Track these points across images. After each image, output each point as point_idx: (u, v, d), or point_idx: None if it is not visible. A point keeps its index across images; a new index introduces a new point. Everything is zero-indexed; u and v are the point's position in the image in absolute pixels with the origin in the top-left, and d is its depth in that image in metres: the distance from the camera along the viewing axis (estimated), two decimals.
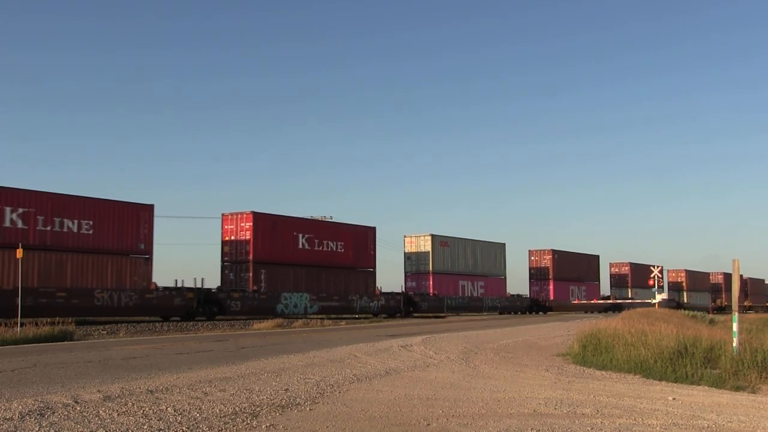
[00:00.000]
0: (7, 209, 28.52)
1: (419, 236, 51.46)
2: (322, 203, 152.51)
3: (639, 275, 74.21)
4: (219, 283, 38.09)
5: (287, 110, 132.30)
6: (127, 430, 7.51)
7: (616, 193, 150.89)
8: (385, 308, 46.57)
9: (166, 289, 34.23)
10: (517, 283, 72.32)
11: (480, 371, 13.62)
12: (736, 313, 14.72)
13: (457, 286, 53.59)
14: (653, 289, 65.46)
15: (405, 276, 51.59)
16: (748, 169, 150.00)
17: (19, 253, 23.18)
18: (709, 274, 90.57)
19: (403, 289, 49.66)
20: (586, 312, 61.49)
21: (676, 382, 12.57)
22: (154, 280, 33.46)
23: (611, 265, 76.61)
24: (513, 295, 60.70)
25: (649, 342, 15.09)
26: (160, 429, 7.57)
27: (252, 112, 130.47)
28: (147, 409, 8.69)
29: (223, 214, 38.46)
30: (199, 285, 35.69)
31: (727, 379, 12.52)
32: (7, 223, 28.40)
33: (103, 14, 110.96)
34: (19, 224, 28.75)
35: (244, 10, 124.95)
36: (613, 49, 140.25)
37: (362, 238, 45.36)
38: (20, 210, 28.87)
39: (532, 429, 7.79)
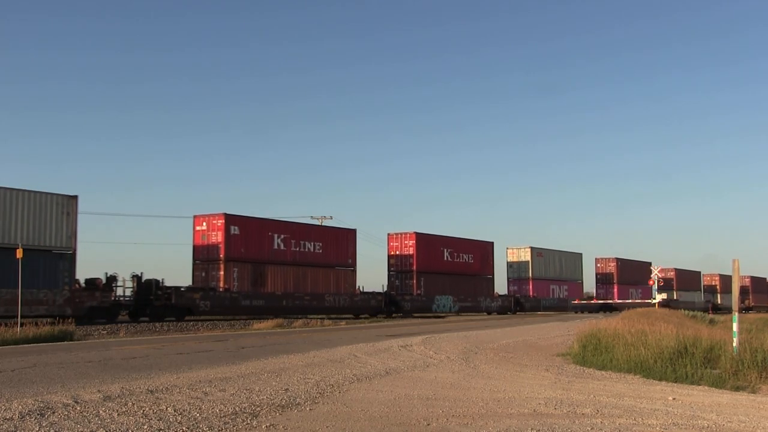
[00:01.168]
0: (275, 236, 40.36)
1: (519, 248, 61.34)
2: (321, 203, 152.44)
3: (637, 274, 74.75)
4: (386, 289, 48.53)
5: (287, 110, 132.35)
6: (127, 430, 7.51)
7: (614, 194, 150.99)
8: (501, 308, 56.43)
9: (364, 293, 45.59)
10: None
11: (480, 371, 13.62)
12: (736, 313, 14.72)
13: (548, 290, 62.97)
14: (653, 289, 65.71)
15: (508, 281, 61.17)
16: (747, 170, 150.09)
17: (19, 253, 23.18)
18: (699, 273, 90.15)
19: (509, 292, 60.25)
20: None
21: (676, 382, 12.57)
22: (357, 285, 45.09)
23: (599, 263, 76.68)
24: (587, 297, 70.50)
25: (649, 342, 15.09)
26: (160, 429, 7.57)
27: (251, 113, 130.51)
28: (147, 409, 8.69)
29: (389, 234, 49.39)
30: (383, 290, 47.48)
31: (727, 379, 12.51)
32: (275, 246, 40.33)
33: (102, 14, 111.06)
34: (282, 247, 40.64)
35: (244, 11, 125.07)
36: (610, 50, 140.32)
37: (485, 251, 55.54)
38: (282, 236, 40.73)
39: (532, 429, 7.80)
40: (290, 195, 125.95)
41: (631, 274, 72.08)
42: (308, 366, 13.89)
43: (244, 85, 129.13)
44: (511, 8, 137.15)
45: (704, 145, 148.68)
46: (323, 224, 51.42)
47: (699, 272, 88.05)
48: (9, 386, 10.60)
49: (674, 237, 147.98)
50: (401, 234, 48.04)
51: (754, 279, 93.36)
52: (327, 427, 7.89)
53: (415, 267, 47.87)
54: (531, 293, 60.35)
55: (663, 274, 72.27)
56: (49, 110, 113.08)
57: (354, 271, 44.82)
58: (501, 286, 60.22)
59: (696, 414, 8.85)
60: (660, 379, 12.85)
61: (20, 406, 8.64)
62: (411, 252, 47.80)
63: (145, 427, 7.65)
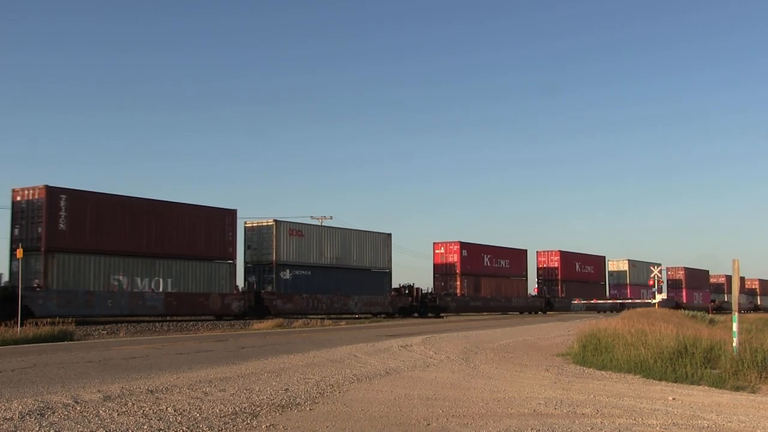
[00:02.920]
0: (485, 256, 55.48)
1: (618, 260, 73.58)
2: (320, 203, 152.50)
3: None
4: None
5: (287, 110, 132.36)
6: (127, 430, 7.51)
7: (613, 193, 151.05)
8: (532, 307, 61.78)
9: (532, 296, 60.79)
10: None
11: (480, 371, 13.62)
12: (736, 313, 14.73)
13: (639, 293, 72.33)
14: (653, 289, 65.92)
15: (609, 286, 72.66)
16: (747, 170, 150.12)
17: (19, 253, 23.19)
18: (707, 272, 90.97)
19: (611, 296, 70.17)
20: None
21: (676, 382, 12.57)
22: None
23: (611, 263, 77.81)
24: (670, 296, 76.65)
25: (649, 342, 15.09)
26: (160, 429, 7.57)
27: (250, 112, 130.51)
28: (147, 409, 8.69)
29: (435, 243, 54.83)
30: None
31: (727, 379, 12.52)
32: (485, 263, 55.40)
33: (102, 14, 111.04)
34: (488, 263, 55.78)
35: (244, 11, 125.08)
36: (610, 50, 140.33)
37: (519, 256, 61.40)
38: (488, 256, 55.81)
39: (532, 429, 7.80)
40: (290, 195, 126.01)
41: (639, 275, 76.26)
42: (308, 366, 13.89)
43: (244, 86, 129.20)
44: (510, 9, 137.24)
45: (703, 145, 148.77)
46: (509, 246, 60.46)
47: (707, 271, 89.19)
48: (9, 386, 10.60)
49: (671, 237, 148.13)
50: (447, 244, 54.24)
51: (762, 282, 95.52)
52: (327, 427, 7.89)
53: (459, 270, 53.37)
54: (629, 295, 70.85)
55: (672, 274, 78.62)
56: (49, 110, 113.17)
57: (525, 279, 61.02)
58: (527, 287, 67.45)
59: (696, 414, 8.85)
60: (660, 379, 12.85)
61: (20, 406, 8.65)
62: (456, 260, 53.52)
63: (145, 427, 7.65)
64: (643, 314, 31.11)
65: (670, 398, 10.19)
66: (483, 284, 55.02)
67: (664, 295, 65.99)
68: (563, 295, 62.89)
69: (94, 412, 8.47)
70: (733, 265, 14.98)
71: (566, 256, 64.28)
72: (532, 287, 63.10)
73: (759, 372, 12.81)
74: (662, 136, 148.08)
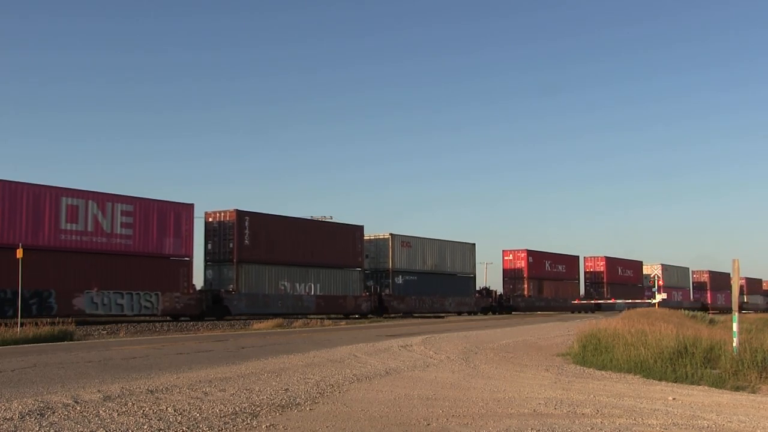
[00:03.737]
0: (546, 262, 62.97)
1: (653, 264, 79.38)
2: (319, 202, 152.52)
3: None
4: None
5: (287, 110, 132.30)
6: (127, 430, 7.51)
7: (612, 193, 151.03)
8: (582, 307, 67.39)
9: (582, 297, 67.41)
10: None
11: (480, 371, 13.62)
12: (736, 313, 14.74)
13: (671, 295, 76.84)
14: (653, 289, 66.83)
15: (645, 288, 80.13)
16: (746, 169, 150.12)
17: (19, 253, 23.17)
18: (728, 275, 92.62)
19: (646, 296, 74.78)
20: None
21: (676, 382, 12.57)
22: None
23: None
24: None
25: (649, 342, 15.10)
26: (160, 429, 7.57)
27: (249, 112, 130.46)
28: (147, 409, 8.69)
29: (504, 251, 62.46)
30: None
31: (727, 379, 12.52)
32: (546, 268, 63.08)
33: (103, 14, 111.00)
34: (548, 268, 63.65)
35: (244, 11, 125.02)
36: (609, 50, 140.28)
37: (573, 262, 68.94)
38: (549, 261, 63.66)
39: (532, 429, 7.80)
40: (290, 194, 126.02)
41: (671, 278, 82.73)
42: (308, 366, 13.89)
43: (244, 86, 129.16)
44: (510, 9, 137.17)
45: (702, 145, 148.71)
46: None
47: (729, 274, 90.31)
48: (9, 386, 10.59)
49: (667, 236, 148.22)
50: (515, 251, 61.68)
51: (748, 280, 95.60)
52: (327, 427, 7.89)
53: (526, 274, 61.21)
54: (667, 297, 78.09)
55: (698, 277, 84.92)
56: (49, 110, 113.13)
57: (577, 282, 69.59)
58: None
59: (696, 414, 8.86)
60: (660, 379, 12.86)
61: (20, 406, 8.64)
62: (523, 266, 61.35)
63: (145, 427, 7.65)
64: (643, 314, 31.13)
65: (670, 398, 10.20)
66: (545, 287, 63.59)
67: (664, 295, 66.46)
68: (608, 296, 68.93)
69: (94, 412, 8.47)
70: (732, 265, 14.99)
71: (611, 262, 72.00)
72: (582, 289, 71.08)
73: (759, 372, 12.81)
74: (661, 136, 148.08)
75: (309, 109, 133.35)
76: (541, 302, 62.09)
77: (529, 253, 61.14)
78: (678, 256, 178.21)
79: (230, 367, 13.53)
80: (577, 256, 69.19)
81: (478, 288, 56.96)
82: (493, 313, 55.59)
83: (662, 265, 79.09)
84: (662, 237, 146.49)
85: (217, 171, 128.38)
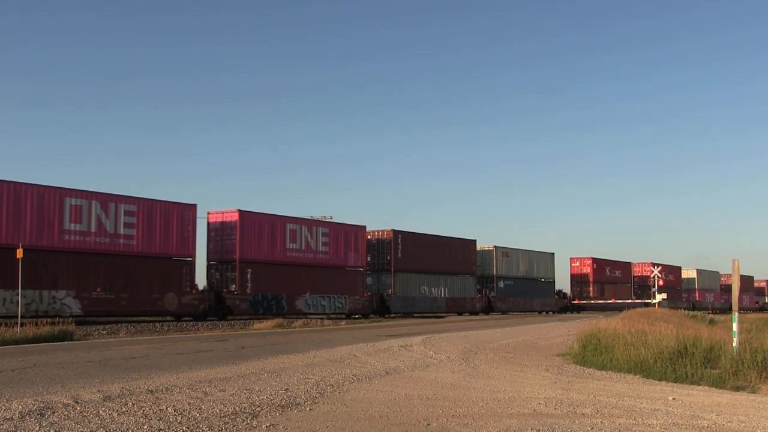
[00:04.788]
0: (606, 268, 69.23)
1: (689, 269, 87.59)
2: (318, 202, 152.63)
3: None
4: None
5: (287, 109, 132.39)
6: (127, 430, 7.52)
7: (607, 192, 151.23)
8: (634, 306, 72.81)
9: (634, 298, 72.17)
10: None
11: (480, 371, 13.62)
12: (736, 313, 14.74)
13: (704, 297, 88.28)
14: (653, 289, 67.84)
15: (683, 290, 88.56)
16: (745, 169, 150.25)
17: (19, 253, 23.18)
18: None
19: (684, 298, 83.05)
20: None
21: (676, 382, 12.57)
22: None
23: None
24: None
25: (649, 342, 15.10)
26: (160, 429, 7.57)
27: (249, 110, 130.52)
28: (147, 409, 8.69)
29: (571, 258, 70.51)
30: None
31: (727, 379, 12.52)
32: (607, 273, 69.37)
33: (102, 11, 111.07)
34: (608, 274, 70.68)
35: (243, 9, 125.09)
36: (607, 47, 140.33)
37: (627, 267, 76.58)
38: (608, 268, 70.11)
39: (532, 429, 7.80)
40: (289, 193, 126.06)
41: (705, 281, 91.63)
42: (308, 366, 13.89)
43: (243, 82, 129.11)
44: (509, 6, 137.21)
45: (698, 143, 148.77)
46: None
47: (752, 277, 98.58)
48: (9, 386, 10.60)
49: (664, 236, 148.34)
50: (581, 258, 69.97)
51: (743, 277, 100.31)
52: (327, 427, 7.89)
53: (591, 279, 69.68)
54: (697, 298, 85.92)
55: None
56: (48, 107, 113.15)
57: (630, 285, 76.04)
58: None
59: (696, 414, 8.86)
60: (660, 379, 12.86)
61: (20, 406, 8.64)
62: (589, 271, 69.74)
63: (145, 427, 7.65)
64: (643, 314, 31.15)
65: (670, 398, 10.20)
66: (606, 289, 71.27)
67: (664, 295, 66.96)
68: (594, 296, 74.82)
69: (94, 412, 8.47)
70: (733, 265, 15.01)
71: (597, 262, 79.49)
72: (633, 292, 77.98)
73: (759, 372, 12.82)
74: (659, 134, 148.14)
75: (308, 105, 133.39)
76: (604, 303, 68.52)
77: (594, 260, 70.61)
78: (678, 255, 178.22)
79: (230, 367, 13.53)
80: (630, 263, 78.47)
81: (556, 291, 67.47)
82: (570, 312, 64.47)
83: (697, 269, 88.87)
84: (658, 237, 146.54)
85: (216, 169, 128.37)
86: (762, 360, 13.21)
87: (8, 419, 7.92)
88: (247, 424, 7.94)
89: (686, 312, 46.10)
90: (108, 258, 30.45)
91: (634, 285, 78.83)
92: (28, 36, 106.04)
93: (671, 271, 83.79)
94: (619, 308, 68.67)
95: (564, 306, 66.02)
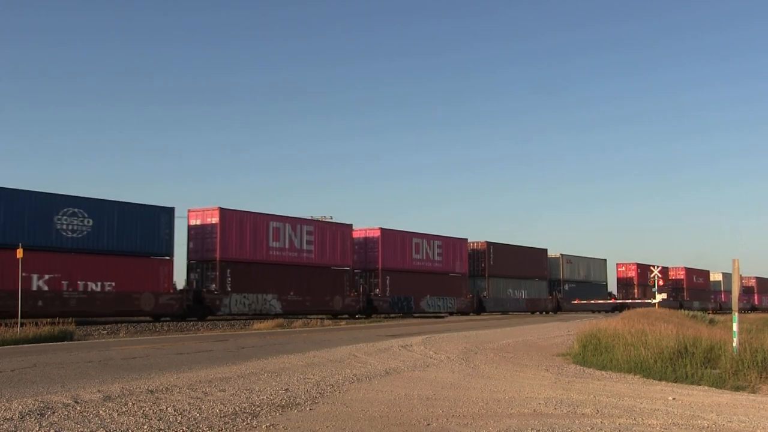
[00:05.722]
0: (647, 272, 71.10)
1: (716, 272, 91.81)
2: (318, 202, 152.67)
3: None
4: None
5: (286, 107, 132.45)
6: (128, 430, 7.52)
7: (609, 191, 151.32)
8: (670, 305, 74.97)
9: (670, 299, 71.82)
10: None
11: (480, 371, 13.62)
12: (736, 313, 14.74)
13: (729, 299, 79.37)
14: (653, 289, 68.05)
15: (723, 293, 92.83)
16: (745, 169, 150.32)
17: (19, 253, 23.18)
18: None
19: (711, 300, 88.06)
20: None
21: (676, 382, 12.58)
22: None
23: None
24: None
25: (649, 342, 15.10)
26: (160, 429, 7.57)
27: (249, 109, 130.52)
28: (147, 409, 8.69)
29: (617, 264, 75.53)
30: None
31: (727, 379, 12.53)
32: (648, 276, 71.35)
33: (102, 9, 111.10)
34: (633, 276, 74.95)
35: (243, 8, 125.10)
36: (606, 46, 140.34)
37: (663, 273, 75.97)
38: (650, 272, 68.66)
39: (532, 429, 7.80)
40: (288, 192, 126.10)
41: (730, 283, 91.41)
42: (308, 366, 13.89)
43: (242, 81, 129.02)
44: (508, 5, 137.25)
45: (698, 141, 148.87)
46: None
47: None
48: (9, 386, 10.60)
49: (666, 236, 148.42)
50: (627, 263, 75.61)
51: (759, 280, 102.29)
52: (327, 427, 7.90)
53: (636, 282, 75.26)
54: (723, 299, 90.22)
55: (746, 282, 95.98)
56: (46, 106, 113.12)
57: (667, 287, 77.05)
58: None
59: (696, 414, 8.86)
60: (660, 379, 12.86)
61: (20, 406, 8.65)
62: (633, 275, 75.33)
63: (145, 427, 7.66)
64: (643, 314, 31.13)
65: (670, 398, 10.20)
66: (647, 291, 74.68)
67: (664, 295, 67.17)
68: (639, 296, 79.55)
69: (94, 412, 8.47)
70: (733, 265, 15.01)
71: (689, 271, 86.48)
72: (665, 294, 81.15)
73: (759, 372, 12.82)
74: (658, 133, 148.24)
75: (308, 106, 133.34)
76: (641, 301, 73.30)
77: (638, 265, 77.14)
78: (666, 255, 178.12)
79: (230, 367, 13.53)
80: (666, 267, 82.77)
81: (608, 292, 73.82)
82: (619, 311, 70.41)
83: (722, 273, 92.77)
84: (656, 236, 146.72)
85: (216, 167, 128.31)
86: (762, 360, 13.22)
87: (8, 419, 7.93)
88: (247, 424, 7.94)
89: (686, 312, 46.36)
90: (296, 268, 38.96)
91: (668, 287, 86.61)
92: (27, 34, 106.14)
93: (701, 275, 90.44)
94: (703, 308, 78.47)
95: (615, 306, 69.06)
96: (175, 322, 31.32)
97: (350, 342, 20.59)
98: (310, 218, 42.29)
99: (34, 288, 27.92)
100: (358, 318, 41.88)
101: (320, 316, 39.23)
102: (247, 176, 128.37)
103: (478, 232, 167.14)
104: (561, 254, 64.80)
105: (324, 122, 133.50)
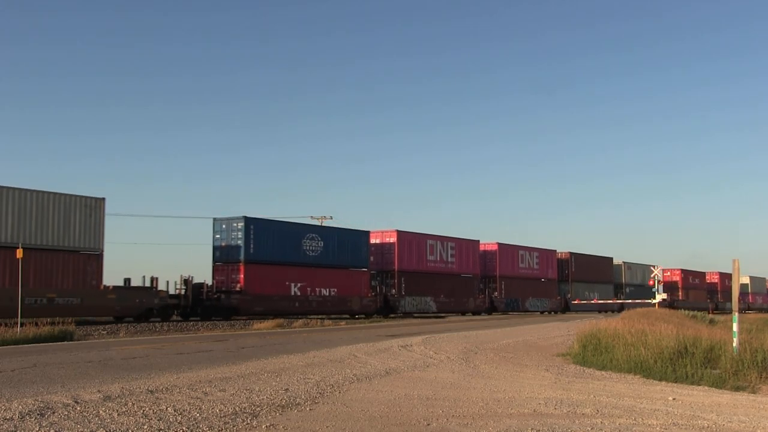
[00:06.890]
0: (689, 276, 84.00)
1: (743, 276, 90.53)
2: (318, 202, 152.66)
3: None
4: None
5: (286, 107, 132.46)
6: (128, 430, 7.52)
7: (608, 191, 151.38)
8: (705, 307, 79.61)
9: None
10: None
11: (480, 371, 13.62)
12: (736, 313, 14.75)
13: (755, 299, 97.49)
14: (653, 289, 67.71)
15: (750, 295, 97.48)
16: (744, 169, 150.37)
17: (19, 253, 23.18)
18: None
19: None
20: None
21: (676, 382, 12.58)
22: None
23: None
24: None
25: (649, 342, 15.10)
26: (160, 429, 7.57)
27: (249, 109, 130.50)
28: (147, 409, 8.70)
29: (663, 269, 69.90)
30: None
31: (727, 379, 12.53)
32: (689, 280, 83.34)
33: (99, 10, 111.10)
34: (689, 280, 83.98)
35: (243, 8, 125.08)
36: (606, 46, 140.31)
37: (702, 276, 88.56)
38: (691, 277, 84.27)
39: (532, 429, 7.80)
40: (288, 192, 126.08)
41: (755, 286, 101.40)
42: (308, 366, 13.89)
43: (241, 81, 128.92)
44: (508, 5, 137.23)
45: (698, 141, 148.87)
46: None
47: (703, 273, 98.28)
48: (9, 386, 10.60)
49: (664, 236, 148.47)
50: (671, 269, 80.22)
51: (753, 279, 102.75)
52: (327, 427, 7.90)
53: (680, 285, 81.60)
54: (751, 300, 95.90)
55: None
56: (46, 106, 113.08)
57: (705, 290, 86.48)
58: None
59: (696, 414, 8.86)
60: (660, 379, 12.86)
61: (20, 406, 8.65)
62: (678, 279, 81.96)
63: (145, 427, 7.66)
64: (643, 314, 31.13)
65: (671, 398, 10.20)
66: (690, 293, 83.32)
67: (664, 295, 67.13)
68: (683, 298, 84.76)
69: (94, 412, 8.47)
70: (733, 265, 15.03)
71: (723, 276, 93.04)
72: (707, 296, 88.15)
73: (759, 372, 12.82)
74: (657, 132, 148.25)
75: (307, 106, 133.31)
76: (688, 304, 75.77)
77: (683, 271, 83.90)
78: (665, 255, 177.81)
79: (230, 367, 13.54)
80: (705, 272, 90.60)
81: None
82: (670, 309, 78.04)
83: (750, 276, 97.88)
84: (654, 236, 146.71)
85: (216, 167, 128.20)
86: (762, 360, 13.22)
87: (8, 419, 7.93)
88: (247, 424, 7.94)
89: (686, 312, 46.45)
90: (444, 276, 48.72)
91: (706, 290, 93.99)
92: (28, 35, 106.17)
93: (727, 278, 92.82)
94: (700, 308, 77.73)
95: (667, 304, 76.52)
96: (175, 323, 31.34)
97: (350, 342, 20.59)
98: (450, 237, 50.55)
99: (292, 293, 37.63)
100: (483, 316, 50.02)
101: (457, 314, 49.72)
102: (247, 176, 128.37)
103: (477, 233, 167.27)
104: (623, 261, 74.40)
105: (324, 122, 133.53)
